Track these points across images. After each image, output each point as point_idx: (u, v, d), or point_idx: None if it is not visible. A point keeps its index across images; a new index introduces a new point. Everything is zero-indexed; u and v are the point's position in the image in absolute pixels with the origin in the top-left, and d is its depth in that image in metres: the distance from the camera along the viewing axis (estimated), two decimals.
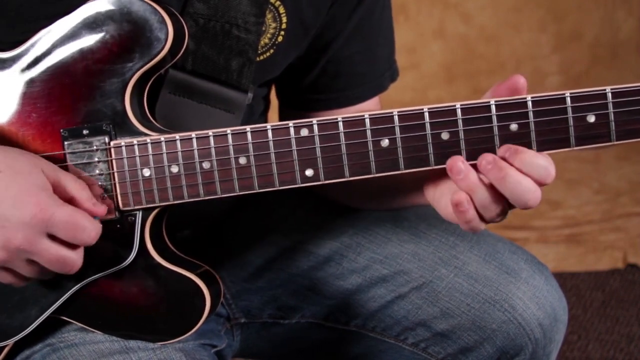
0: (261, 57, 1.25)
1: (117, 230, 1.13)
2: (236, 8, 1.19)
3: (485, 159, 1.04)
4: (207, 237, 1.41)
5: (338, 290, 1.37)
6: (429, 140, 1.06)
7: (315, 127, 1.08)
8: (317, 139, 1.08)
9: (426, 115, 1.06)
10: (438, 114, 1.05)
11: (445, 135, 1.06)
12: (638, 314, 2.50)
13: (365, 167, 1.08)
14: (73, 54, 1.11)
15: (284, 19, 1.24)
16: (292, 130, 1.08)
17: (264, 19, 1.21)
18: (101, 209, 1.09)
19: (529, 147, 1.05)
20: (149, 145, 1.11)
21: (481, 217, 1.06)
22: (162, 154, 1.11)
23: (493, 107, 1.05)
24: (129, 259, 1.13)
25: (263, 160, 1.09)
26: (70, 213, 1.05)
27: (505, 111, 1.05)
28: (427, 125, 1.06)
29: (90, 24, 1.11)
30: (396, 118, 1.06)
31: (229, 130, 1.09)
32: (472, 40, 3.58)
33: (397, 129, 1.06)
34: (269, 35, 1.24)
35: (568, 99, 1.04)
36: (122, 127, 1.12)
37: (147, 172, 1.11)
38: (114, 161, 1.12)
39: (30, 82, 1.12)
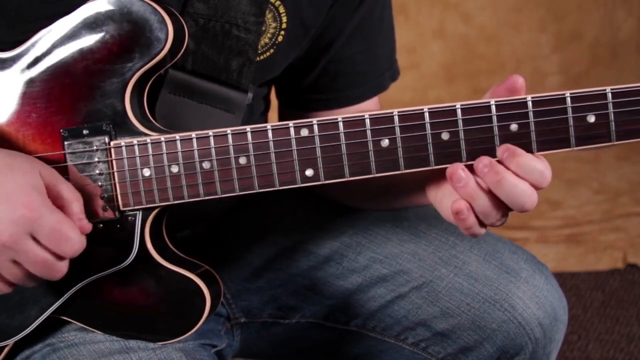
0: (261, 57, 1.25)
1: (117, 230, 1.13)
2: (236, 8, 1.19)
3: (482, 162, 1.04)
4: (207, 237, 1.41)
5: (338, 290, 1.37)
6: (429, 140, 1.06)
7: (316, 127, 1.08)
8: (317, 139, 1.08)
9: (426, 115, 1.06)
10: (438, 114, 1.05)
11: (445, 136, 1.06)
12: (638, 314, 2.50)
13: (366, 167, 1.08)
14: (73, 54, 1.11)
15: (284, 19, 1.24)
16: (292, 130, 1.08)
17: (263, 18, 1.21)
18: (86, 227, 1.07)
19: (529, 147, 1.05)
20: (149, 145, 1.11)
21: (481, 223, 1.07)
22: (162, 154, 1.11)
23: (493, 107, 1.05)
24: (129, 259, 1.13)
25: (263, 160, 1.09)
26: (58, 220, 1.03)
27: (505, 111, 1.05)
28: (427, 125, 1.06)
29: (91, 24, 1.11)
30: (396, 118, 1.06)
31: (229, 130, 1.09)
32: (472, 40, 3.58)
33: (397, 129, 1.06)
34: (269, 35, 1.24)
35: (568, 99, 1.04)
36: (122, 127, 1.12)
37: (147, 172, 1.11)
38: (114, 161, 1.12)
39: (30, 82, 1.12)
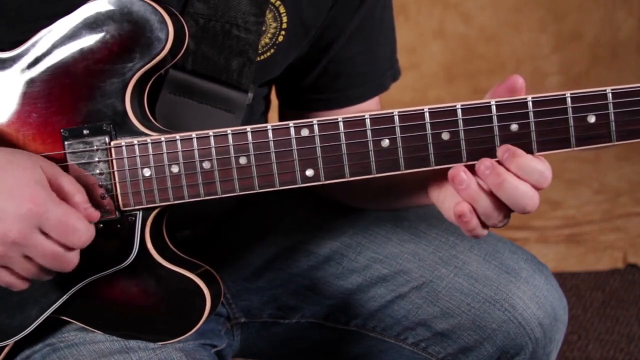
0: (261, 57, 1.25)
1: (117, 230, 1.13)
2: (236, 8, 1.19)
3: (484, 164, 1.04)
4: (208, 237, 1.41)
5: (338, 290, 1.37)
6: (430, 140, 1.06)
7: (316, 127, 1.08)
8: (317, 139, 1.08)
9: (426, 115, 1.06)
10: (438, 114, 1.05)
11: (445, 136, 1.06)
12: (638, 314, 2.50)
13: (366, 167, 1.08)
14: (73, 54, 1.11)
15: (285, 19, 1.24)
16: (292, 130, 1.08)
17: (264, 18, 1.21)
18: (93, 215, 1.08)
19: (530, 147, 1.05)
20: (150, 145, 1.11)
21: (483, 225, 1.07)
22: (162, 153, 1.11)
23: (493, 108, 1.05)
24: (129, 259, 1.13)
25: (263, 160, 1.09)
26: (64, 212, 1.05)
27: (506, 111, 1.05)
28: (428, 126, 1.06)
29: (91, 24, 1.11)
30: (397, 118, 1.06)
31: (229, 130, 1.09)
32: (472, 40, 3.58)
33: (398, 129, 1.06)
34: (269, 35, 1.24)
35: (568, 100, 1.04)
36: (123, 127, 1.12)
37: (147, 172, 1.11)
38: (114, 161, 1.12)
39: (31, 82, 1.12)
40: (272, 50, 1.26)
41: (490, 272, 1.30)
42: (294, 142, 1.08)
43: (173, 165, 1.11)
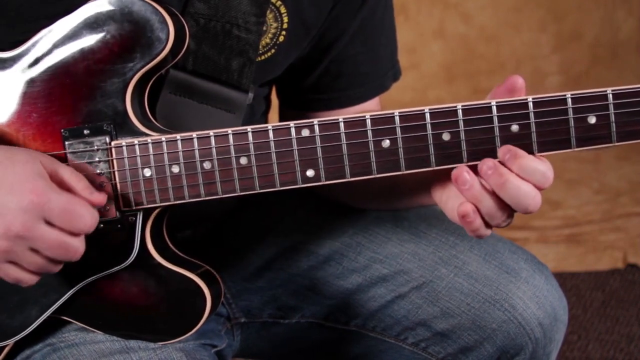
0: (262, 57, 1.25)
1: (117, 230, 1.13)
2: (237, 8, 1.19)
3: (486, 164, 1.04)
4: (208, 237, 1.41)
5: (338, 290, 1.37)
6: (430, 141, 1.06)
7: (316, 128, 1.08)
8: (318, 140, 1.08)
9: (427, 115, 1.06)
10: (439, 115, 1.05)
11: (446, 136, 1.06)
12: (638, 314, 2.50)
13: (366, 167, 1.08)
14: (74, 54, 1.11)
15: (285, 19, 1.24)
16: (293, 131, 1.08)
17: (264, 18, 1.21)
18: (99, 198, 1.08)
19: (530, 148, 1.05)
20: (150, 145, 1.11)
21: (487, 225, 1.07)
22: (163, 154, 1.11)
23: (494, 108, 1.05)
24: (129, 259, 1.13)
25: (264, 160, 1.09)
26: (66, 200, 1.05)
27: (506, 112, 1.05)
28: (428, 126, 1.06)
29: (91, 24, 1.11)
30: (397, 119, 1.06)
31: (230, 130, 1.09)
32: (472, 40, 3.58)
33: (398, 130, 1.06)
34: (270, 35, 1.24)
35: (569, 100, 1.04)
36: (123, 127, 1.12)
37: (148, 172, 1.11)
38: (114, 161, 1.12)
39: (31, 82, 1.12)
40: (272, 51, 1.26)
41: (490, 272, 1.30)
42: (294, 142, 1.08)
43: (174, 166, 1.11)
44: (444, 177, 1.10)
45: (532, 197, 1.03)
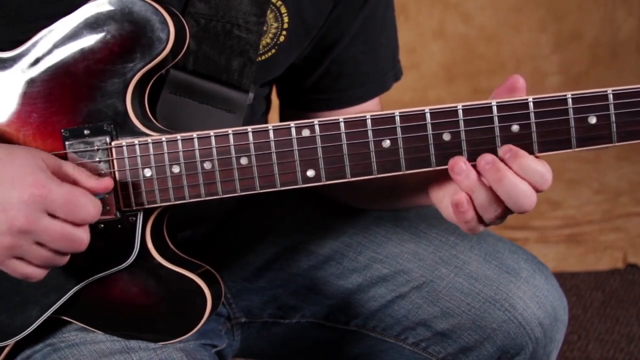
0: (263, 57, 1.25)
1: (118, 230, 1.13)
2: (237, 8, 1.19)
3: (485, 159, 1.04)
4: (209, 237, 1.41)
5: (338, 290, 1.37)
6: (431, 141, 1.06)
7: (317, 128, 1.08)
8: (318, 140, 1.08)
9: (428, 116, 1.06)
10: (439, 115, 1.05)
11: (446, 136, 1.06)
12: (638, 314, 2.50)
13: (367, 167, 1.08)
14: (74, 54, 1.11)
15: (286, 19, 1.24)
16: (293, 131, 1.08)
17: (265, 18, 1.21)
18: (105, 182, 1.08)
19: (530, 148, 1.05)
20: (150, 146, 1.11)
21: (480, 219, 1.07)
22: (163, 154, 1.11)
23: (494, 108, 1.05)
24: (130, 259, 1.13)
25: (264, 160, 1.09)
26: (68, 190, 1.05)
27: (507, 112, 1.05)
28: (429, 126, 1.06)
29: (92, 24, 1.11)
30: (397, 119, 1.06)
31: (230, 130, 1.09)
32: (472, 40, 3.58)
33: (399, 130, 1.06)
34: (270, 35, 1.24)
35: (569, 100, 1.04)
36: (123, 127, 1.12)
37: (148, 172, 1.11)
38: (115, 161, 1.12)
39: (31, 82, 1.12)
40: (273, 51, 1.26)
41: (490, 272, 1.31)
42: (295, 142, 1.08)
43: (174, 166, 1.11)
44: (442, 176, 1.10)
45: (528, 196, 1.03)
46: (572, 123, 1.04)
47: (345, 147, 1.08)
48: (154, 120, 1.15)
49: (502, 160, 1.04)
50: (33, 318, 1.16)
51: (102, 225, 1.12)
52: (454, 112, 1.05)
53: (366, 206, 1.39)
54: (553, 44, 3.66)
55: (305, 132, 1.08)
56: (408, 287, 1.33)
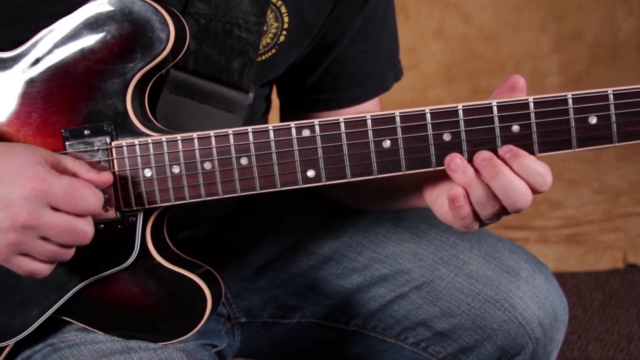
0: (263, 57, 1.25)
1: (118, 230, 1.13)
2: (237, 8, 1.19)
3: (481, 156, 1.04)
4: (209, 237, 1.41)
5: (338, 290, 1.37)
6: (431, 141, 1.06)
7: (317, 128, 1.08)
8: (318, 140, 1.08)
9: (428, 116, 1.06)
10: (440, 115, 1.05)
11: (447, 137, 1.06)
12: (638, 314, 2.50)
13: (367, 168, 1.08)
14: (74, 54, 1.11)
15: (286, 19, 1.24)
16: (293, 131, 1.08)
17: (265, 18, 1.21)
18: (104, 177, 1.08)
19: (531, 148, 1.05)
20: (150, 146, 1.11)
21: (476, 216, 1.06)
22: (163, 154, 1.11)
23: (495, 109, 1.05)
24: (130, 260, 1.13)
25: (264, 160, 1.09)
26: (68, 182, 1.05)
27: (507, 112, 1.05)
28: (429, 126, 1.06)
29: (92, 24, 1.10)
30: (398, 119, 1.06)
31: (230, 130, 1.09)
32: (472, 40, 3.58)
33: (399, 130, 1.06)
34: (270, 35, 1.24)
35: (570, 101, 1.04)
36: (124, 128, 1.12)
37: (148, 173, 1.11)
38: (115, 161, 1.12)
39: (31, 82, 1.12)
40: (273, 50, 1.26)
41: (490, 272, 1.31)
42: (295, 142, 1.08)
43: (174, 166, 1.11)
44: (435, 176, 1.10)
45: (523, 194, 1.03)
46: (573, 123, 1.04)
47: (345, 148, 1.07)
48: (154, 121, 1.15)
49: (502, 159, 1.04)
50: (33, 318, 1.16)
51: (102, 226, 1.12)
52: (455, 112, 1.05)
53: (364, 206, 1.39)
54: (553, 44, 3.66)
55: (306, 132, 1.08)
56: (408, 287, 1.33)
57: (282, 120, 1.41)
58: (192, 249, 1.22)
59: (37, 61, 1.12)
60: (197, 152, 1.10)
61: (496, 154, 1.05)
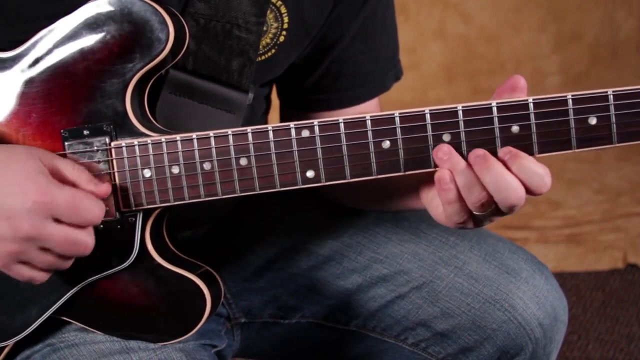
0: (263, 57, 1.25)
1: (117, 230, 1.13)
2: (237, 8, 1.19)
3: (475, 152, 1.04)
4: (208, 238, 1.41)
5: (338, 290, 1.37)
6: (430, 142, 1.06)
7: (317, 129, 1.08)
8: (318, 140, 1.08)
9: (427, 116, 1.05)
10: (439, 116, 1.05)
11: (446, 137, 1.06)
12: (638, 314, 2.50)
13: (367, 168, 1.07)
14: (73, 54, 1.11)
15: (286, 19, 1.24)
16: (293, 132, 1.08)
17: (264, 18, 1.21)
18: (103, 189, 1.08)
19: (530, 149, 1.05)
20: (150, 146, 1.11)
21: (464, 205, 1.05)
22: (162, 154, 1.10)
23: (494, 109, 1.05)
24: (129, 260, 1.13)
25: (264, 161, 1.09)
26: (71, 194, 1.05)
27: (507, 113, 1.04)
28: (429, 127, 1.06)
29: (91, 24, 1.10)
30: (397, 119, 1.06)
31: (230, 131, 1.09)
32: (472, 40, 3.58)
33: (399, 130, 1.06)
34: (270, 35, 1.24)
35: (570, 101, 1.04)
36: (123, 128, 1.12)
37: (147, 173, 1.11)
38: (114, 161, 1.11)
39: (31, 82, 1.12)
40: (273, 51, 1.25)
41: (490, 272, 1.31)
42: (294, 143, 1.08)
43: (173, 166, 1.11)
44: (432, 177, 1.09)
45: (514, 189, 1.02)
46: (573, 124, 1.04)
47: (345, 148, 1.07)
48: (153, 121, 1.15)
49: (501, 161, 1.04)
50: (33, 318, 1.16)
51: (102, 226, 1.12)
52: (454, 113, 1.05)
53: (366, 207, 1.39)
54: (553, 44, 3.66)
55: (305, 133, 1.08)
56: (408, 288, 1.33)
57: (282, 120, 1.41)
58: (191, 249, 1.22)
59: (36, 61, 1.12)
60: (196, 152, 1.10)
61: (495, 154, 1.05)
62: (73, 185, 1.07)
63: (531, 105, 1.04)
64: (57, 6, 1.11)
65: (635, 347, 2.36)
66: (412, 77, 3.41)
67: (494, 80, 3.44)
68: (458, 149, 1.05)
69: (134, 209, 1.12)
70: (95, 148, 1.11)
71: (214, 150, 1.09)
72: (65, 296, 1.15)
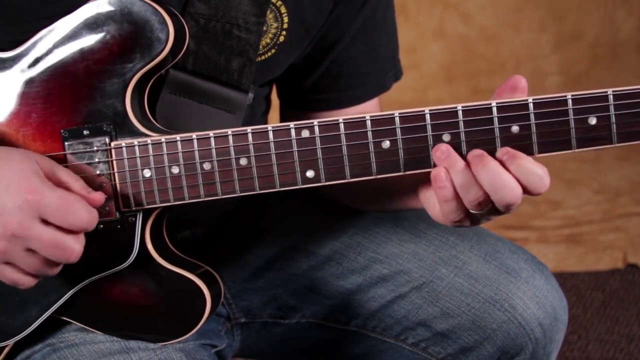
0: (263, 57, 1.25)
1: (117, 230, 1.13)
2: (237, 8, 1.19)
3: (473, 152, 1.04)
4: (208, 238, 1.41)
5: (338, 290, 1.37)
6: (430, 142, 1.06)
7: (316, 129, 1.08)
8: (318, 140, 1.08)
9: (427, 116, 1.06)
10: (439, 116, 1.05)
11: (446, 137, 1.06)
12: (638, 314, 2.50)
13: (367, 168, 1.07)
14: (73, 54, 1.11)
15: (286, 19, 1.24)
16: (293, 132, 1.08)
17: (264, 18, 1.21)
18: (97, 197, 1.07)
19: (530, 149, 1.05)
20: (150, 146, 1.11)
21: (460, 203, 1.05)
22: (162, 154, 1.10)
23: (494, 109, 1.05)
24: (129, 260, 1.13)
25: (264, 161, 1.09)
26: (61, 195, 1.04)
27: (507, 113, 1.04)
28: (429, 127, 1.06)
29: (91, 24, 1.10)
30: (397, 119, 1.06)
31: (229, 131, 1.09)
32: (472, 40, 3.58)
33: (398, 131, 1.06)
34: (270, 35, 1.24)
35: (569, 101, 1.04)
36: (123, 128, 1.12)
37: (147, 173, 1.11)
38: (114, 162, 1.12)
39: (31, 82, 1.12)
40: (273, 51, 1.26)
41: (490, 272, 1.31)
42: (294, 143, 1.08)
43: (173, 166, 1.11)
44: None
45: (511, 187, 1.02)
46: (572, 124, 1.04)
47: (344, 148, 1.07)
48: (153, 121, 1.15)
49: (500, 161, 1.04)
50: (33, 318, 1.16)
51: (102, 226, 1.12)
52: (454, 113, 1.05)
53: (366, 207, 1.39)
54: (553, 44, 3.66)
55: (305, 133, 1.08)
56: (408, 288, 1.33)
57: (282, 120, 1.41)
58: (191, 249, 1.22)
59: (36, 61, 1.12)
60: (196, 152, 1.10)
61: (495, 155, 1.04)
62: (67, 189, 1.06)
63: (531, 105, 1.04)
64: (57, 6, 1.11)
65: (635, 347, 2.36)
66: (412, 77, 3.41)
67: (494, 80, 3.44)
68: (458, 149, 1.05)
69: (133, 209, 1.12)
70: (95, 148, 1.11)
71: (214, 150, 1.09)
72: (65, 296, 1.15)
